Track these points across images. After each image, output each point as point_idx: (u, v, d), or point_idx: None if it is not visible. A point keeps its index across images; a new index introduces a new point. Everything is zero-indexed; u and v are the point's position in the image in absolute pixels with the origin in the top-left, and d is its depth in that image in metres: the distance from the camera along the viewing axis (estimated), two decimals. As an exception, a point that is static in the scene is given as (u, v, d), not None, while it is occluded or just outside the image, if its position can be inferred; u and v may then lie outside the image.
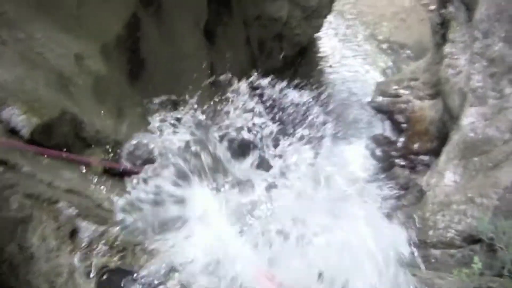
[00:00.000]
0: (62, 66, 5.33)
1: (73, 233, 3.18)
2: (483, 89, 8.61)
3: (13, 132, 4.21)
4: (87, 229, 3.23)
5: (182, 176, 3.74)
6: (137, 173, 4.32)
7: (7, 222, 2.86)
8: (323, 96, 15.30)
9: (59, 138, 4.72)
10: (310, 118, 12.89)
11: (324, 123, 13.68)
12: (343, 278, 3.37)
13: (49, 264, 2.97)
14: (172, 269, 3.16)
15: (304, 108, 13.89)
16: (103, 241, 3.24)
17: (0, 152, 3.57)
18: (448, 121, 10.79)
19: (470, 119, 8.62)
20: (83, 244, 3.16)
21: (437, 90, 12.19)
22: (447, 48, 10.75)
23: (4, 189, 3.02)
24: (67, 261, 3.03)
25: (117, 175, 5.54)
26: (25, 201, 3.05)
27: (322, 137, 12.99)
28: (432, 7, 16.48)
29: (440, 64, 11.25)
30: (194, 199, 3.69)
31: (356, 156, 13.63)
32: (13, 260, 2.83)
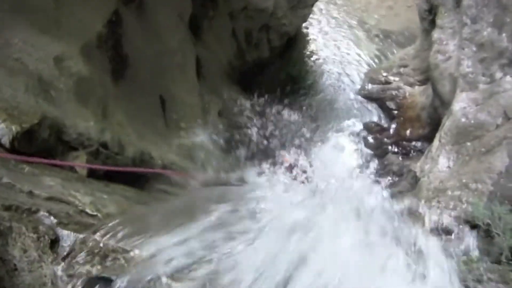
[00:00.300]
0: (41, 70, 5.21)
1: (54, 243, 3.09)
2: (474, 74, 8.58)
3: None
4: (68, 237, 3.15)
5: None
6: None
7: (-14, 235, 2.78)
8: (313, 86, 15.38)
9: (41, 144, 4.62)
10: (301, 109, 12.85)
11: (315, 112, 13.73)
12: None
13: (32, 275, 2.90)
14: (157, 276, 3.10)
15: (295, 99, 13.93)
16: (85, 249, 3.15)
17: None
18: (439, 107, 10.77)
19: (461, 104, 8.60)
20: (65, 253, 3.08)
21: (427, 76, 12.19)
22: (436, 34, 10.73)
23: (-18, 202, 2.95)
24: (50, 271, 2.95)
25: (103, 177, 5.45)
26: (4, 214, 2.97)
27: (314, 127, 13.03)
28: (419, -7, 16.46)
29: (429, 50, 11.23)
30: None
31: (349, 144, 13.64)
32: (-3, 273, 2.76)
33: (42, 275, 2.94)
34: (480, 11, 8.62)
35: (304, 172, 11.37)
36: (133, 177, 6.26)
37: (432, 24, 11.18)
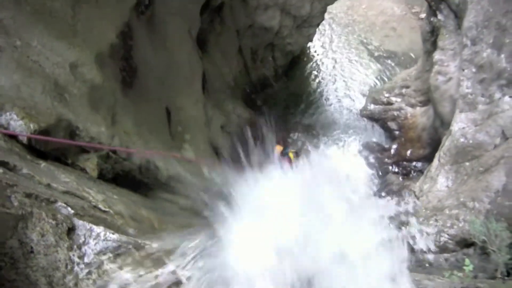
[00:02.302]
0: (57, 74, 5.39)
1: (71, 231, 3.25)
2: (473, 95, 8.70)
3: (11, 136, 4.27)
4: (84, 227, 3.31)
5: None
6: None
7: (8, 218, 2.95)
8: (315, 104, 15.49)
9: (56, 143, 4.77)
10: (304, 127, 12.99)
11: (317, 130, 13.80)
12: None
13: (47, 258, 3.06)
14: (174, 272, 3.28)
15: (298, 117, 14.01)
16: (100, 241, 3.31)
17: (0, 154, 3.64)
18: (439, 128, 10.89)
19: (460, 124, 8.71)
20: (81, 241, 3.24)
21: (428, 97, 12.30)
22: (437, 55, 10.86)
23: (6, 188, 3.11)
24: (65, 256, 3.10)
25: (110, 181, 5.62)
26: (25, 200, 3.14)
27: (315, 142, 13.07)
28: (423, 15, 16.68)
29: (431, 71, 11.35)
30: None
31: (350, 163, 13.73)
32: (13, 254, 2.92)
33: (57, 260, 3.10)
34: (480, 33, 8.73)
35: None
36: (136, 184, 6.41)
37: (434, 45, 11.31)
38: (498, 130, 8.09)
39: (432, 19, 11.32)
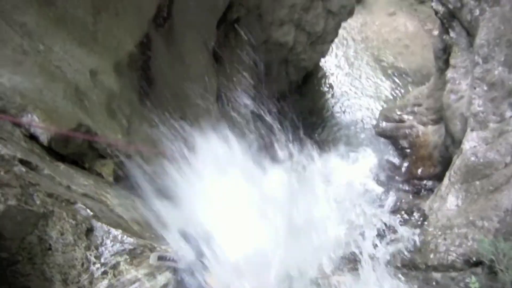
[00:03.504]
0: (78, 81, 5.53)
1: (89, 231, 3.36)
2: (484, 114, 8.68)
3: (32, 137, 4.40)
4: (101, 228, 3.41)
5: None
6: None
7: (30, 215, 3.06)
8: (328, 121, 15.45)
9: (74, 147, 4.90)
10: (316, 143, 12.99)
11: (329, 147, 13.78)
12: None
13: (64, 256, 3.16)
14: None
15: (310, 132, 13.99)
16: (117, 242, 3.41)
17: (23, 154, 3.76)
18: (450, 146, 10.87)
19: (471, 143, 8.69)
20: (98, 242, 3.34)
21: (440, 115, 12.28)
22: (449, 74, 10.85)
23: (29, 186, 3.22)
24: (82, 255, 3.21)
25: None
26: (47, 199, 3.25)
27: (327, 160, 13.06)
28: (435, 32, 16.69)
29: (443, 89, 11.33)
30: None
31: (361, 181, 13.69)
32: (32, 250, 3.03)
33: (73, 258, 3.21)
34: (492, 51, 8.70)
35: None
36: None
37: (447, 63, 11.29)
38: (509, 148, 8.07)
39: (444, 36, 11.30)
